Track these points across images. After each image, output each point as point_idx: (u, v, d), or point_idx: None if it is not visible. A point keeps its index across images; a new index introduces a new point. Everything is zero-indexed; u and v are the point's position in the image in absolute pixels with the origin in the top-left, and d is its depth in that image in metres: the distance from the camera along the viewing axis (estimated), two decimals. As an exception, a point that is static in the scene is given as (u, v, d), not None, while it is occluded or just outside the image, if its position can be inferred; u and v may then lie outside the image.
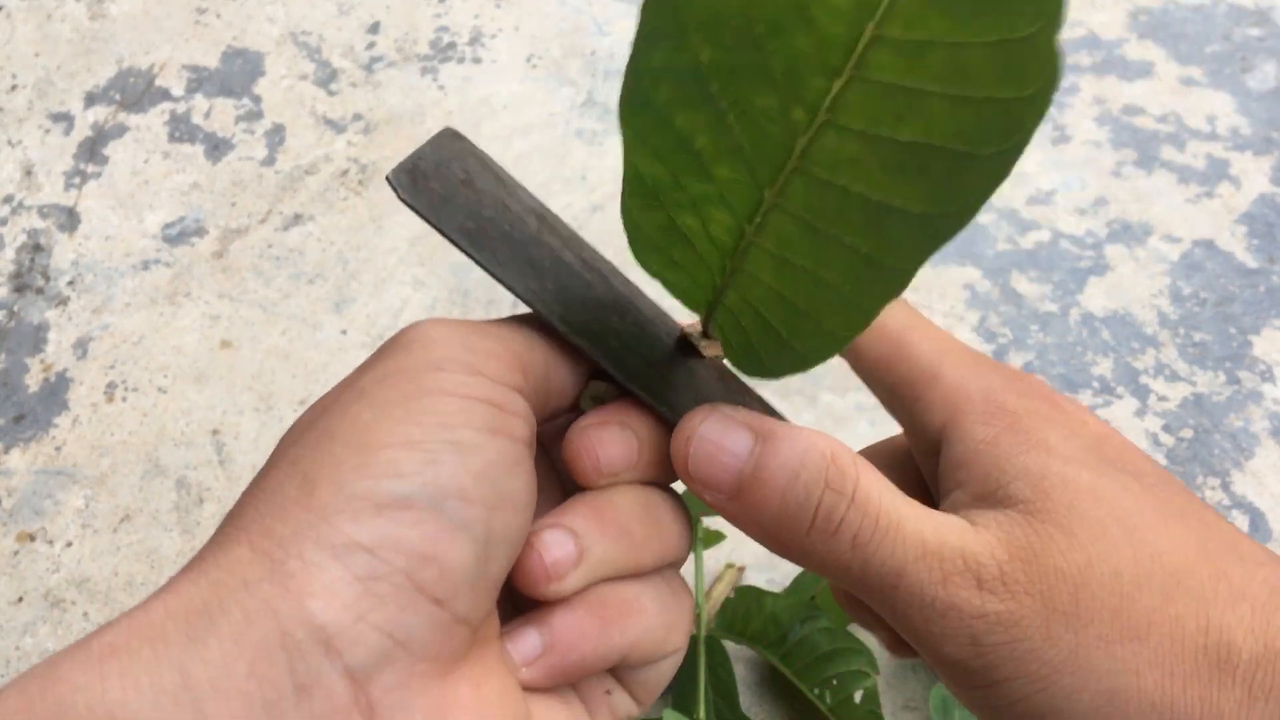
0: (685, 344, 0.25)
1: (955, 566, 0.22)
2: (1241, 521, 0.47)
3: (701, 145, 0.19)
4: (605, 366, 0.23)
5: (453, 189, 0.22)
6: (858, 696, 0.39)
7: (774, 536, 0.23)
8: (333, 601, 0.18)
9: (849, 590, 0.23)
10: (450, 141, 0.23)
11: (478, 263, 0.22)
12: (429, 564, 0.19)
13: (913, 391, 0.26)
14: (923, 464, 0.27)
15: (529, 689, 0.23)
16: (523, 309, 0.35)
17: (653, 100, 0.19)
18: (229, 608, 0.18)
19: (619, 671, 0.24)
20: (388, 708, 0.19)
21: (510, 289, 0.23)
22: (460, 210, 0.22)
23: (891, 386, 0.27)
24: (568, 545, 0.23)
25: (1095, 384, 0.52)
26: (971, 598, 0.21)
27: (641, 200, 0.21)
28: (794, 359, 0.22)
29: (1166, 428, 0.50)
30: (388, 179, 0.22)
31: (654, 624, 0.24)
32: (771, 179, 0.19)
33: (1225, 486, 0.48)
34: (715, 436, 0.22)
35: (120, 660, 0.18)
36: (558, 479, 0.26)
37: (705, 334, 0.25)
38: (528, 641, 0.23)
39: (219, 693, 0.17)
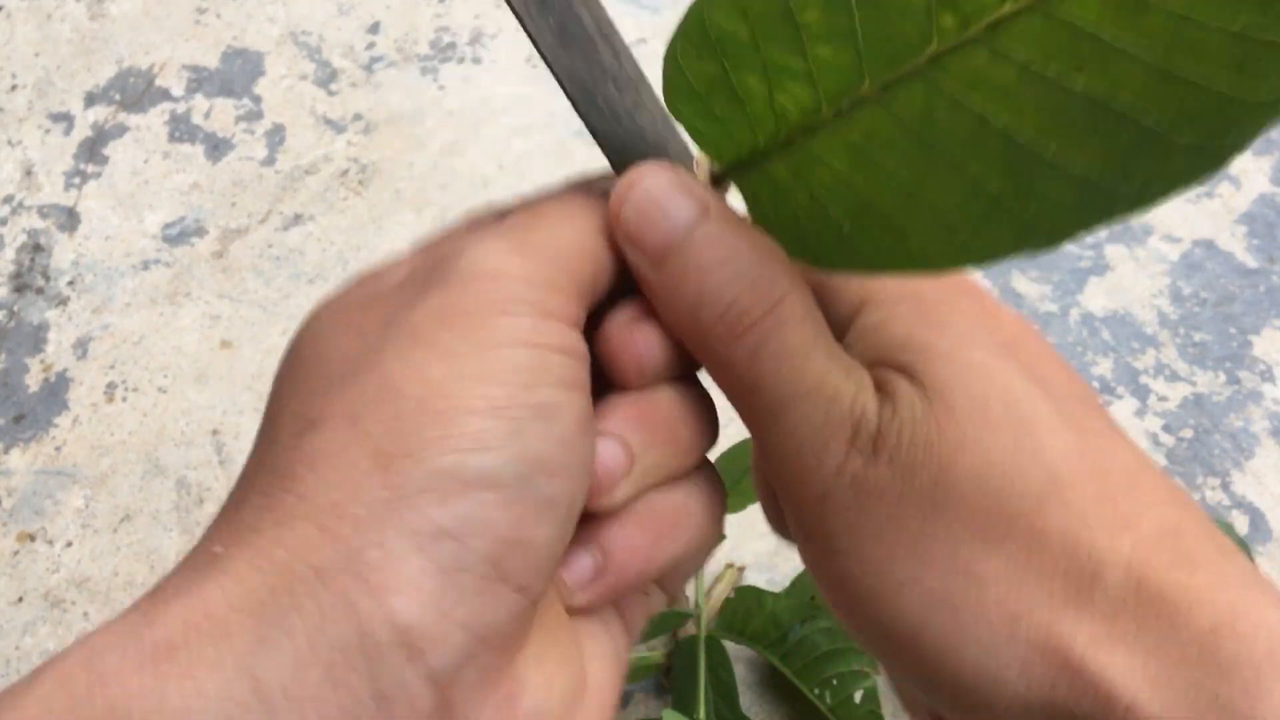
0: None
1: (839, 412, 0.20)
2: (1241, 521, 0.47)
3: (809, 19, 0.18)
4: (585, 120, 0.22)
5: None
6: (857, 696, 0.39)
7: (680, 319, 0.21)
8: (417, 597, 0.16)
9: (731, 402, 0.21)
10: None
11: None
12: (515, 549, 0.18)
13: (823, 282, 0.23)
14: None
15: (578, 613, 0.21)
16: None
17: None
18: (302, 602, 0.16)
19: None
20: (464, 706, 0.17)
21: (508, 3, 0.21)
22: None
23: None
24: (618, 454, 0.21)
25: (1095, 384, 0.52)
26: (840, 448, 0.20)
27: (697, 49, 0.20)
28: (851, 255, 0.20)
29: (1166, 428, 0.50)
30: None
31: (702, 524, 0.23)
32: (881, 74, 0.17)
33: (1225, 486, 0.48)
34: (661, 195, 0.20)
35: (180, 662, 0.16)
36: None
37: (717, 181, 0.23)
38: (580, 565, 0.21)
39: (293, 702, 0.16)
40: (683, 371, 0.23)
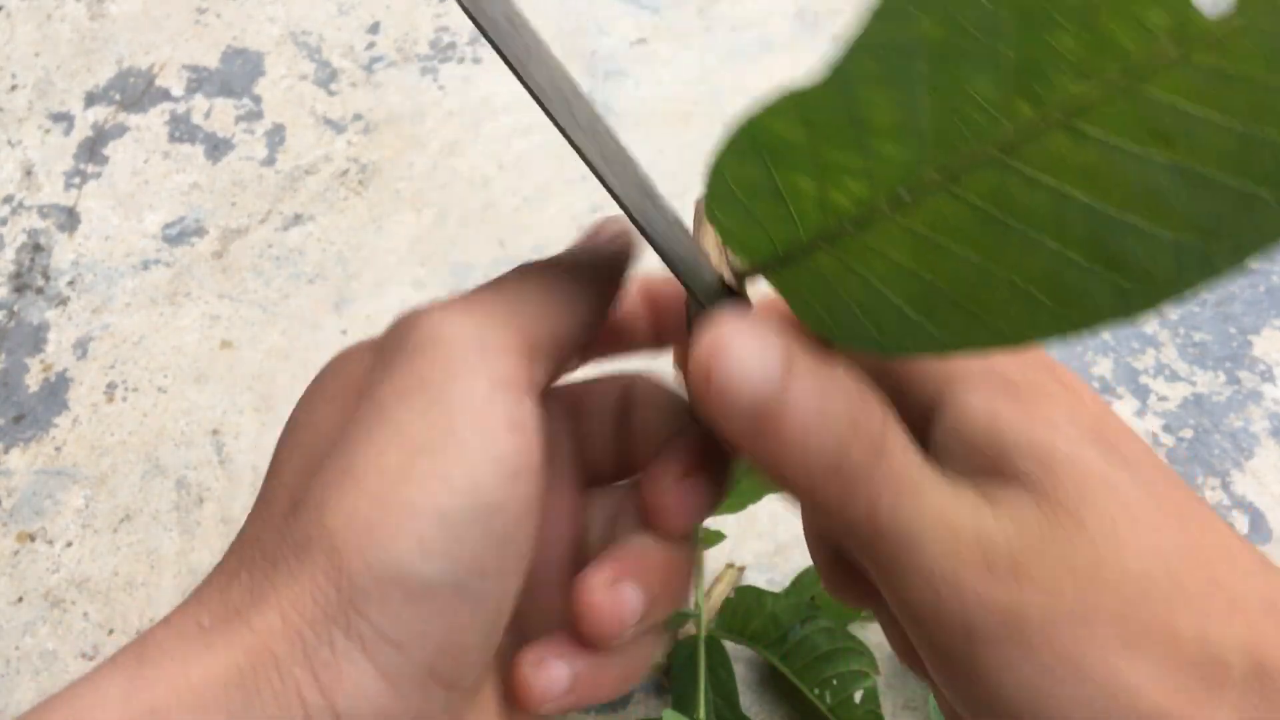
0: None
1: (968, 544, 0.20)
2: (1241, 522, 0.47)
3: (879, 120, 0.18)
4: (647, 234, 0.22)
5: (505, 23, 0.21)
6: (857, 696, 0.39)
7: (787, 480, 0.20)
8: (358, 700, 0.18)
9: (852, 551, 0.21)
10: None
11: (525, 83, 0.21)
12: (449, 654, 0.19)
13: (891, 375, 0.23)
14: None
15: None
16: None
17: (845, 70, 0.17)
18: (263, 688, 0.18)
19: None
20: None
21: (560, 126, 0.22)
22: (516, 41, 0.22)
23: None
24: (638, 604, 0.22)
25: (1095, 384, 0.52)
26: (978, 583, 0.20)
27: (743, 157, 0.20)
28: (921, 339, 0.20)
29: (1166, 427, 0.50)
30: None
31: (651, 656, 0.24)
32: (948, 163, 0.18)
33: (1225, 486, 0.48)
34: (744, 360, 0.19)
35: None
36: (574, 467, 0.25)
37: (739, 277, 0.23)
38: (557, 677, 0.22)
39: None
40: (661, 613, 0.24)
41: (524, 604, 0.22)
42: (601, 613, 0.22)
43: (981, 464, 0.21)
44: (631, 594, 0.22)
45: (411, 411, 0.19)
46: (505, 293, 0.22)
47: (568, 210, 0.59)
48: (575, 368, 0.25)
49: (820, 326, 0.21)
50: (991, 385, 0.22)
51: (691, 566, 0.25)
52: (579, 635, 0.23)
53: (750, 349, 0.20)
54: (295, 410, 0.22)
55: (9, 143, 0.63)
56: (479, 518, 0.19)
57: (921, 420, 0.23)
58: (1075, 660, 0.20)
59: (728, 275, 0.23)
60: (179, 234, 0.59)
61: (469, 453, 0.19)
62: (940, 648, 0.21)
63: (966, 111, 0.17)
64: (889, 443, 0.20)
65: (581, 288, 0.23)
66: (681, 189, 0.60)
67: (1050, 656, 0.20)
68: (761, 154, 0.20)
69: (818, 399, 0.20)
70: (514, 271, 0.23)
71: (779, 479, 0.21)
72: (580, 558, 0.24)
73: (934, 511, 0.20)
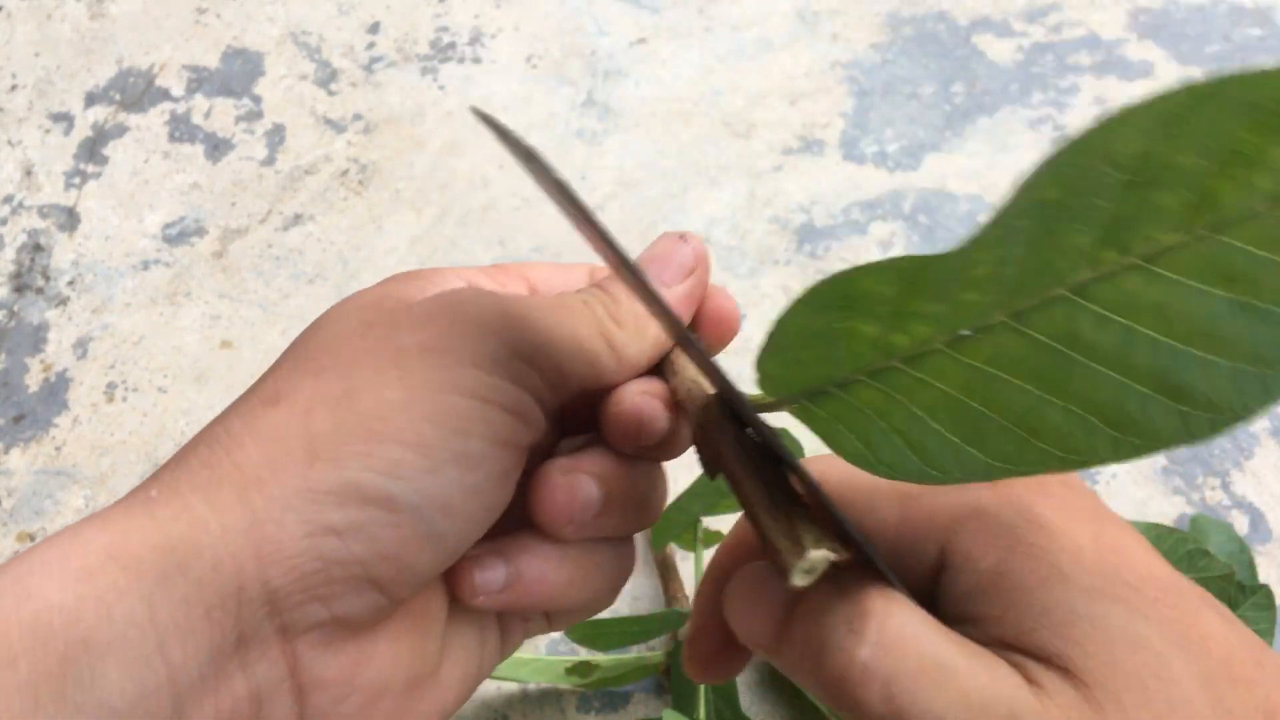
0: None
1: None
2: (1241, 522, 0.47)
3: (973, 275, 0.19)
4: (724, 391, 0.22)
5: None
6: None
7: (814, 688, 0.21)
8: (291, 574, 0.20)
9: None
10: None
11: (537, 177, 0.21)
12: (390, 562, 0.20)
13: (887, 515, 0.23)
14: (912, 584, 0.23)
15: (464, 610, 0.24)
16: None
17: (974, 237, 0.18)
18: (203, 552, 0.19)
19: None
20: (310, 661, 0.20)
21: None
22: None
23: (862, 513, 0.24)
24: (594, 497, 0.23)
25: (1095, 384, 0.52)
26: None
27: (814, 310, 0.21)
28: (969, 463, 0.20)
29: (1166, 428, 0.50)
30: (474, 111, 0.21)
31: (607, 584, 0.25)
32: (1021, 306, 0.19)
33: (1225, 486, 0.48)
34: (744, 616, 0.21)
35: (96, 584, 0.18)
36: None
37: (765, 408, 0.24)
38: (494, 575, 0.23)
39: (178, 631, 0.19)
40: (619, 527, 0.24)
41: None
42: (554, 493, 0.23)
43: (1000, 635, 0.20)
44: (587, 484, 0.23)
45: (426, 368, 0.21)
46: (548, 313, 0.23)
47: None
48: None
49: (853, 455, 0.22)
50: (988, 535, 0.21)
51: (661, 485, 0.25)
52: (533, 519, 0.23)
53: (746, 614, 0.21)
54: (316, 320, 0.23)
55: (9, 143, 0.63)
56: (459, 463, 0.20)
57: (928, 575, 0.22)
58: None
59: (688, 413, 0.24)
60: (179, 234, 0.59)
61: (465, 411, 0.21)
62: None
63: (1053, 260, 0.18)
64: (889, 631, 0.20)
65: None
66: (680, 189, 0.60)
67: None
68: (835, 305, 0.21)
69: (810, 638, 0.20)
70: (559, 297, 0.24)
71: (814, 691, 0.21)
72: None
73: (958, 695, 0.19)
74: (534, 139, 0.62)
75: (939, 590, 0.22)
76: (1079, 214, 0.18)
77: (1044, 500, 0.22)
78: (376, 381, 0.21)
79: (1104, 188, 0.17)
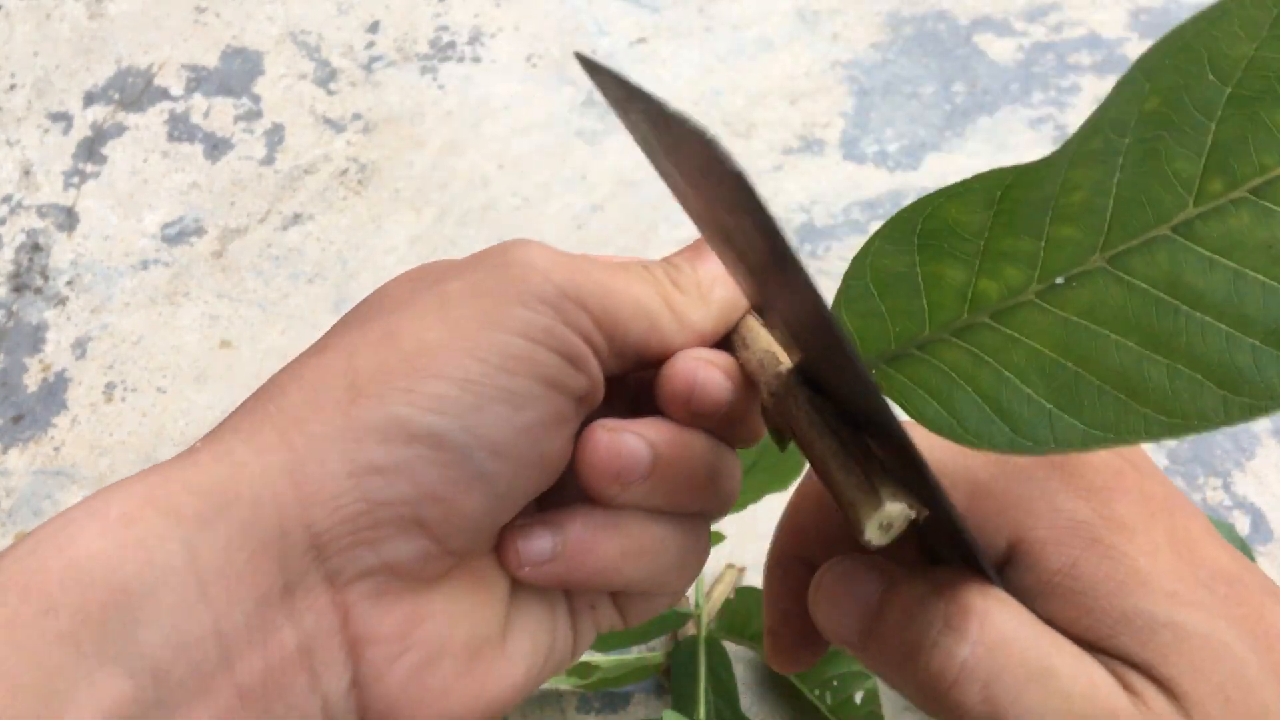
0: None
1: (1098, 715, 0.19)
2: (1242, 522, 0.47)
3: (1070, 202, 0.18)
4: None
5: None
6: (858, 697, 0.38)
7: (903, 686, 0.21)
8: (335, 515, 0.19)
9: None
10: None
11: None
12: (437, 504, 0.19)
13: (964, 505, 0.22)
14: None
15: (523, 584, 0.22)
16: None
17: (1070, 149, 0.17)
18: (243, 493, 0.18)
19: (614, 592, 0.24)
20: (362, 612, 0.19)
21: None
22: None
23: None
24: (643, 457, 0.22)
25: (1096, 384, 0.52)
26: None
27: (898, 245, 0.20)
28: (1063, 430, 0.19)
29: (1167, 428, 0.50)
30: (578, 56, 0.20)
31: (669, 565, 0.23)
32: (1120, 246, 0.18)
33: (1226, 486, 0.48)
34: (843, 586, 0.21)
35: (134, 530, 0.18)
36: (632, 405, 0.25)
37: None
38: (539, 544, 0.22)
39: (221, 577, 0.18)
40: (722, 435, 0.23)
41: None
42: (597, 449, 0.21)
43: (1078, 634, 0.20)
44: (633, 443, 0.22)
45: (471, 308, 0.20)
46: (613, 273, 0.22)
47: (568, 210, 0.59)
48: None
49: (936, 423, 0.20)
50: (1063, 532, 0.21)
51: (731, 467, 0.24)
52: (580, 482, 0.22)
53: (834, 612, 0.21)
54: (378, 289, 0.22)
55: (8, 142, 0.63)
56: (505, 399, 0.20)
57: (995, 565, 0.22)
58: None
59: (765, 390, 0.22)
60: (178, 233, 0.59)
61: (509, 349, 0.20)
62: None
63: (1155, 190, 0.17)
64: (990, 629, 0.19)
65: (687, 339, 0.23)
66: (681, 188, 0.60)
67: None
68: (918, 242, 0.19)
69: (906, 604, 0.20)
70: (634, 268, 0.23)
71: (905, 692, 0.21)
72: None
73: (1059, 697, 0.19)
74: (534, 139, 0.62)
75: (1006, 583, 0.21)
76: (1182, 132, 0.16)
77: (1121, 494, 0.21)
78: (419, 323, 0.20)
79: (1207, 101, 0.16)
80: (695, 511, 0.23)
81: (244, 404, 0.21)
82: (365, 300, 0.22)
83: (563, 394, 0.21)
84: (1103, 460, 0.21)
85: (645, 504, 0.22)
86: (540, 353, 0.20)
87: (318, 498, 0.19)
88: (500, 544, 0.22)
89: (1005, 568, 0.21)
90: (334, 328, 0.22)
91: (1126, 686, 0.19)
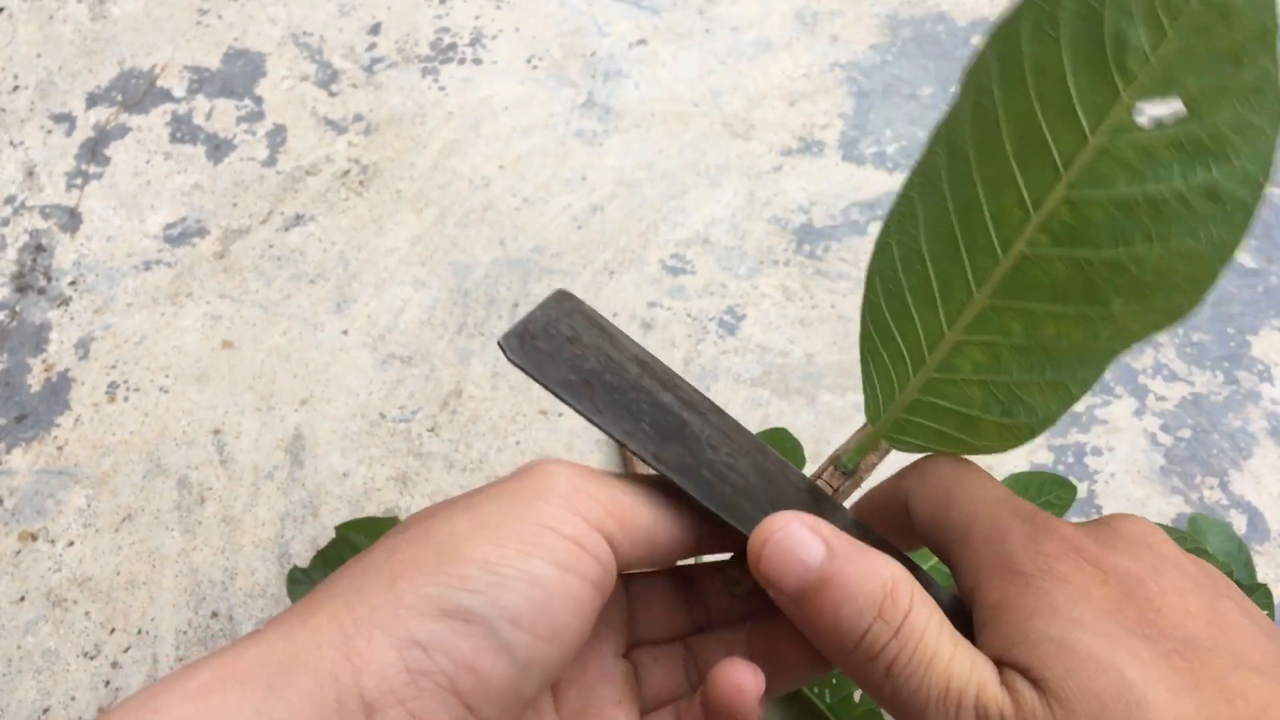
0: (782, 472, 0.27)
1: (968, 715, 0.22)
2: (1239, 521, 0.47)
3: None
4: (698, 498, 0.25)
5: (558, 346, 0.26)
6: (856, 695, 0.39)
7: (822, 642, 0.24)
8: (382, 684, 0.22)
9: (877, 702, 0.24)
10: (560, 302, 0.26)
11: (576, 410, 0.25)
12: (469, 673, 0.22)
13: (948, 555, 0.26)
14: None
15: None
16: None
17: None
18: (305, 666, 0.22)
19: None
20: None
21: (606, 433, 0.25)
22: (563, 365, 0.25)
23: (936, 548, 0.27)
24: (758, 686, 0.25)
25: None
26: None
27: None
28: (1061, 394, 0.24)
29: (1165, 427, 0.50)
30: (499, 344, 0.25)
31: None
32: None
33: (1223, 486, 0.48)
34: (791, 543, 0.24)
35: (212, 699, 0.21)
36: (685, 608, 0.29)
37: (849, 474, 0.27)
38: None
39: None
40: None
41: None
42: (740, 689, 0.25)
43: (994, 656, 0.23)
44: (751, 673, 0.25)
45: (493, 508, 0.24)
46: (623, 479, 0.26)
47: (568, 210, 0.59)
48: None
49: (951, 441, 0.26)
50: (1005, 578, 0.24)
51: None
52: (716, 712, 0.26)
53: (795, 534, 0.24)
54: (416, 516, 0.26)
55: (11, 143, 0.63)
56: (524, 579, 0.23)
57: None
58: None
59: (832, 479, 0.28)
60: (180, 234, 0.59)
61: (528, 536, 0.23)
62: None
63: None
64: (909, 623, 0.23)
65: (696, 514, 0.27)
66: (680, 189, 0.60)
67: None
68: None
69: (848, 585, 0.23)
70: (647, 477, 0.27)
71: (817, 642, 0.24)
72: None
73: (941, 681, 0.23)
74: (534, 139, 0.62)
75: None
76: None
77: (1069, 559, 0.24)
78: (449, 522, 0.24)
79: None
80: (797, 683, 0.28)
81: (303, 599, 0.24)
82: (405, 521, 0.26)
83: (575, 576, 0.24)
84: (1062, 538, 0.24)
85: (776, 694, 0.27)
86: (553, 538, 0.23)
87: (368, 669, 0.22)
88: None
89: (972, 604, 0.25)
90: (377, 542, 0.25)
91: (1005, 683, 0.22)
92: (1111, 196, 0.22)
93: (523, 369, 0.25)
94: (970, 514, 0.26)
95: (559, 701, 0.27)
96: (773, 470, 0.27)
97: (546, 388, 0.25)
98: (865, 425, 0.28)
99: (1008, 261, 0.23)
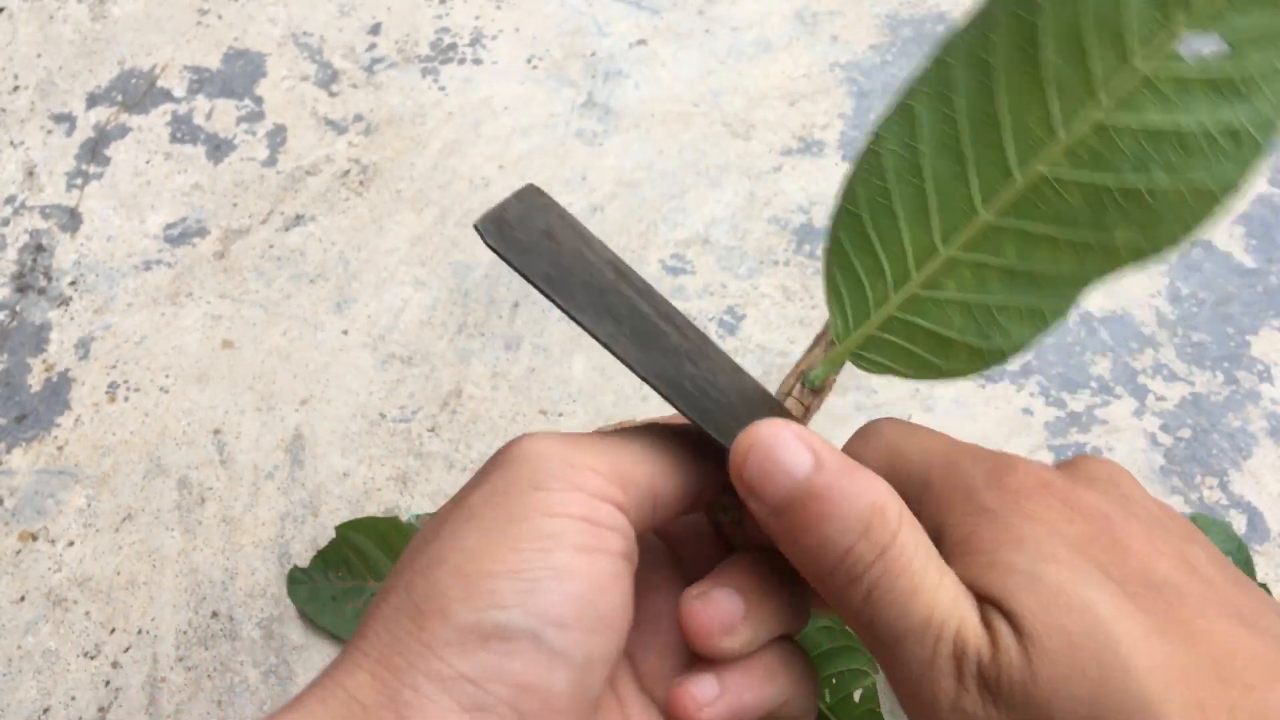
0: (764, 398, 0.26)
1: (945, 650, 0.21)
2: (1239, 521, 0.47)
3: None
4: (682, 408, 0.24)
5: (536, 239, 0.24)
6: (856, 695, 0.39)
7: (802, 560, 0.23)
8: None
9: (853, 629, 0.23)
10: (534, 196, 0.25)
11: (559, 306, 0.24)
12: (531, 694, 0.21)
13: (912, 506, 0.24)
14: None
15: None
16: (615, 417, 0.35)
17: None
18: None
19: None
20: None
21: (590, 332, 0.24)
22: (543, 258, 0.24)
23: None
24: (736, 604, 0.25)
25: (1094, 384, 0.52)
26: (949, 685, 0.21)
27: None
28: (1037, 321, 0.24)
29: (1165, 427, 0.50)
30: (475, 227, 0.23)
31: (798, 679, 0.26)
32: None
33: (1223, 486, 0.48)
34: (778, 451, 0.22)
35: None
36: (679, 570, 0.28)
37: (818, 391, 0.27)
38: (706, 686, 0.24)
39: None
40: (775, 632, 0.26)
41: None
42: (695, 618, 0.24)
43: (971, 584, 0.22)
44: (724, 598, 0.24)
45: (494, 509, 0.22)
46: (607, 437, 0.24)
47: (568, 210, 0.59)
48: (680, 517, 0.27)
49: (917, 366, 0.25)
50: (970, 514, 0.23)
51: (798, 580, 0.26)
52: (695, 648, 0.25)
53: (783, 441, 0.23)
54: (418, 538, 0.25)
55: (11, 143, 0.63)
56: (553, 576, 0.21)
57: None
58: None
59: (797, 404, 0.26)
60: (180, 234, 0.59)
61: (541, 529, 0.22)
62: None
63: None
64: (895, 549, 0.22)
65: (690, 459, 0.25)
66: (680, 189, 0.60)
67: None
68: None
69: (835, 500, 0.22)
70: (628, 428, 0.25)
71: (796, 561, 0.23)
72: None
73: (923, 612, 0.21)
74: (534, 139, 0.62)
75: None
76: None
77: (1038, 495, 0.22)
78: (455, 540, 0.22)
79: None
80: (796, 628, 0.26)
81: (338, 662, 0.23)
82: (411, 548, 0.24)
83: (601, 554, 0.22)
84: (1028, 473, 0.23)
85: (760, 637, 0.25)
86: (566, 524, 0.22)
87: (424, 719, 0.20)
88: (672, 700, 0.25)
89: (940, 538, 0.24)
90: (389, 576, 0.24)
91: (984, 619, 0.21)
92: (1144, 124, 0.22)
93: (504, 258, 0.23)
94: (925, 464, 0.24)
95: (636, 667, 0.26)
96: (749, 390, 0.26)
97: (529, 280, 0.23)
98: (828, 340, 0.27)
99: (1022, 181, 0.23)
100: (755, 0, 0.68)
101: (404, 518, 0.47)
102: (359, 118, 0.64)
